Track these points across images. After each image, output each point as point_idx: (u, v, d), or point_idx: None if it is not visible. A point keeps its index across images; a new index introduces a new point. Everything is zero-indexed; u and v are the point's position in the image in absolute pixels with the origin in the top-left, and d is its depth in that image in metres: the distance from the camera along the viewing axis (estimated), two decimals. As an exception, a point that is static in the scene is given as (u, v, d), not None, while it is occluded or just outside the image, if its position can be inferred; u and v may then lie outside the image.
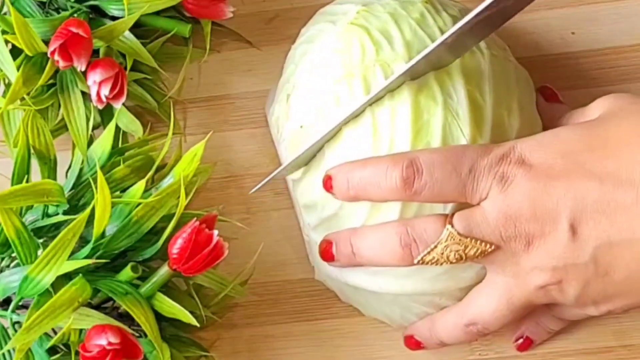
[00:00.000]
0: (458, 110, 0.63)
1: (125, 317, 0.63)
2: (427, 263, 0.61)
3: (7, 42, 0.67)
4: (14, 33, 0.65)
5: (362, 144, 0.64)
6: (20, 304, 0.62)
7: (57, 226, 0.64)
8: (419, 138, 0.63)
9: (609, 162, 0.59)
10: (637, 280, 0.60)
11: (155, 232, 0.63)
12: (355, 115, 0.64)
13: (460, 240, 0.60)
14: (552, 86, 0.72)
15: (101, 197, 0.60)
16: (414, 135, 0.63)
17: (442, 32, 0.65)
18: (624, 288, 0.60)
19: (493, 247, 0.60)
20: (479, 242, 0.60)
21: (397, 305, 0.66)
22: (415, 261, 0.61)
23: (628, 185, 0.58)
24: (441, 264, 0.60)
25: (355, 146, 0.64)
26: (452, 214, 0.60)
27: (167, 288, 0.64)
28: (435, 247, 0.60)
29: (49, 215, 0.64)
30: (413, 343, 0.68)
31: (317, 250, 0.66)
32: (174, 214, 0.62)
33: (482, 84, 0.64)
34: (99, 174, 0.59)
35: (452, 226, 0.60)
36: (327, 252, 0.65)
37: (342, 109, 0.64)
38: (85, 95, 0.69)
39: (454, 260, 0.60)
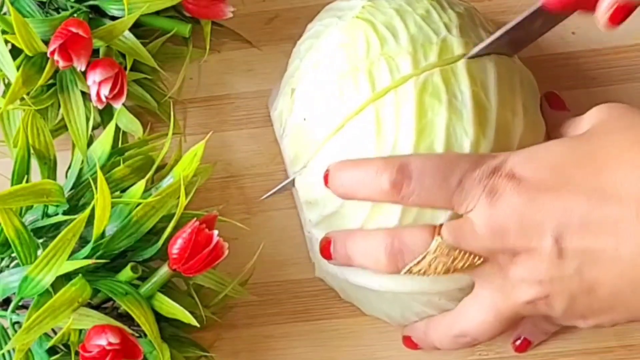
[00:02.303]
0: (462, 111, 0.63)
1: (125, 317, 0.63)
2: (415, 273, 0.61)
3: (7, 42, 0.67)
4: (13, 33, 0.65)
5: (365, 142, 0.64)
6: (20, 304, 0.62)
7: (57, 226, 0.64)
8: (422, 137, 0.63)
9: (597, 177, 0.58)
10: (621, 297, 0.59)
11: (155, 232, 0.63)
12: (359, 111, 0.64)
13: (448, 252, 0.60)
14: (553, 86, 0.72)
15: (101, 197, 0.60)
16: (417, 133, 0.63)
17: (448, 28, 0.65)
18: (608, 304, 0.60)
19: (481, 260, 0.60)
20: (467, 254, 0.59)
21: (397, 304, 0.66)
22: (402, 272, 0.61)
23: (614, 201, 0.58)
24: (429, 274, 0.60)
25: (358, 144, 0.64)
26: (441, 225, 0.60)
27: (167, 288, 0.64)
28: (424, 258, 0.60)
29: (48, 215, 0.64)
30: (410, 343, 0.68)
31: (317, 247, 0.66)
32: (174, 214, 0.62)
33: (487, 85, 0.64)
34: (99, 174, 0.59)
35: (441, 238, 0.60)
36: (326, 250, 0.65)
37: (347, 103, 0.64)
38: (85, 95, 0.68)
39: (442, 272, 0.60)
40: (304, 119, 0.66)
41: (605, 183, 0.58)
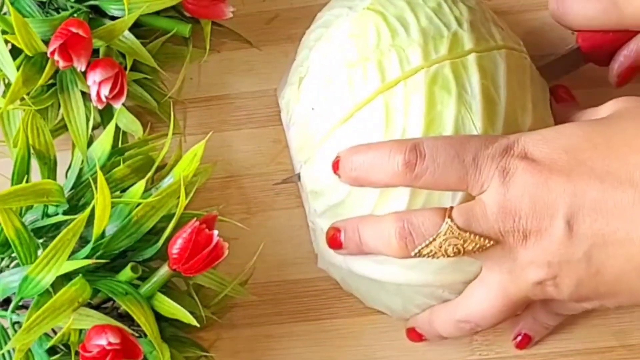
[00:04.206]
0: (471, 104, 0.63)
1: (125, 317, 0.63)
2: (425, 256, 0.61)
3: (7, 42, 0.67)
4: (14, 33, 0.65)
5: (373, 132, 0.64)
6: (20, 304, 0.62)
7: (57, 226, 0.64)
8: (431, 129, 0.63)
9: (611, 162, 0.59)
10: (627, 282, 0.59)
11: (155, 232, 0.63)
12: (368, 101, 0.64)
13: (459, 234, 0.60)
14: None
15: (101, 197, 0.60)
16: (426, 125, 0.63)
17: (459, 22, 0.66)
18: (614, 288, 0.60)
19: (492, 242, 0.60)
20: (477, 236, 0.59)
21: (399, 296, 0.66)
22: (412, 254, 0.61)
23: (627, 186, 0.58)
24: (439, 257, 0.60)
25: (366, 134, 0.64)
26: (452, 208, 0.60)
27: (167, 288, 0.64)
28: (434, 240, 0.60)
29: (49, 215, 0.64)
30: (414, 335, 0.68)
31: (321, 237, 0.66)
32: (174, 214, 0.62)
33: (497, 79, 0.64)
34: (99, 174, 0.59)
35: (452, 220, 0.60)
36: (334, 240, 0.65)
37: (355, 93, 0.64)
38: (85, 95, 0.69)
39: (452, 254, 0.60)
40: (312, 109, 0.66)
41: (619, 167, 0.58)
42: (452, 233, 0.60)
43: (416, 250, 0.61)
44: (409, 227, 0.60)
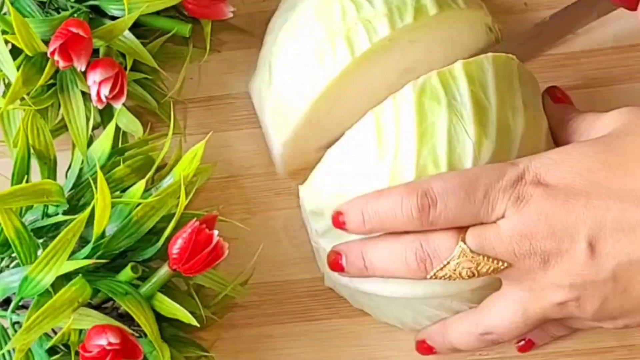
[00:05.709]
0: (462, 112, 0.63)
1: (125, 317, 0.63)
2: (440, 278, 0.61)
3: (7, 42, 0.67)
4: (14, 33, 0.65)
5: (367, 150, 0.64)
6: (20, 304, 0.62)
7: (57, 226, 0.64)
8: (424, 141, 0.62)
9: (628, 180, 0.59)
10: None
11: (155, 232, 0.63)
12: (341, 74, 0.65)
13: (472, 257, 0.60)
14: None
15: (101, 197, 0.60)
16: (419, 138, 0.62)
17: None
18: None
19: (505, 264, 0.59)
20: (491, 259, 0.59)
21: (409, 309, 0.66)
22: (428, 276, 0.61)
23: None
24: (454, 279, 0.60)
25: (360, 152, 0.64)
26: (466, 230, 0.60)
27: (167, 288, 0.64)
28: (448, 263, 0.60)
29: (49, 215, 0.64)
30: (425, 348, 0.68)
31: (325, 257, 0.66)
32: (174, 214, 0.62)
33: (486, 85, 0.64)
34: (99, 174, 0.59)
35: (465, 243, 0.60)
36: (336, 263, 0.65)
37: (326, 68, 0.65)
38: (85, 95, 0.69)
39: (466, 277, 0.60)
40: (284, 87, 0.67)
41: (636, 185, 0.58)
42: (466, 256, 0.60)
43: (432, 273, 0.61)
44: (427, 249, 0.60)
